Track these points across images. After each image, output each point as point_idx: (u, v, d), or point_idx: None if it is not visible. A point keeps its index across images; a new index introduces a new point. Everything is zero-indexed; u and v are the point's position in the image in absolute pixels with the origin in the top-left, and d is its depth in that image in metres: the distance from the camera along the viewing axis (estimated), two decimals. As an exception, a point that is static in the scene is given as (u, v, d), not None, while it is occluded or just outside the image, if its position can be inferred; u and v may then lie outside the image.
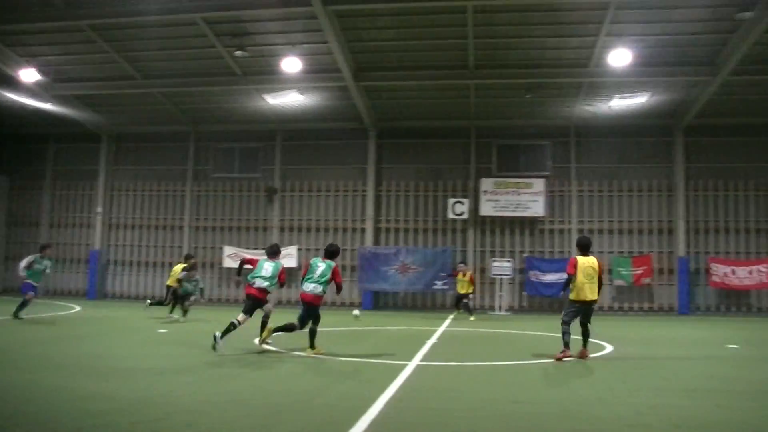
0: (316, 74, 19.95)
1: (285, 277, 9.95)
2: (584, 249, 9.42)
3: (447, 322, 17.10)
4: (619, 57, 18.26)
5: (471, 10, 16.75)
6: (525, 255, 22.85)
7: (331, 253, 9.59)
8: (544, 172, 23.33)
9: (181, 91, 22.11)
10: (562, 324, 9.34)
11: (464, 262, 21.01)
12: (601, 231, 22.89)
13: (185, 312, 15.17)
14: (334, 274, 9.28)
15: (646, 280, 22.23)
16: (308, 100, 21.79)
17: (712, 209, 22.67)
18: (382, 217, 23.89)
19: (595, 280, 9.18)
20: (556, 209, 23.16)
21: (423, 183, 23.71)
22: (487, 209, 22.82)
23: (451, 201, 22.96)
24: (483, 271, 22.78)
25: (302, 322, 9.20)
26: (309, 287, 9.11)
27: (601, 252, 22.41)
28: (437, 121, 23.48)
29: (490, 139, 23.58)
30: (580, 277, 9.11)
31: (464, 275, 19.10)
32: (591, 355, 9.52)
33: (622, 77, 19.40)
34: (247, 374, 7.66)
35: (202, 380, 7.13)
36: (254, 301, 9.56)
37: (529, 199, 22.70)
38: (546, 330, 15.00)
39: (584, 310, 9.31)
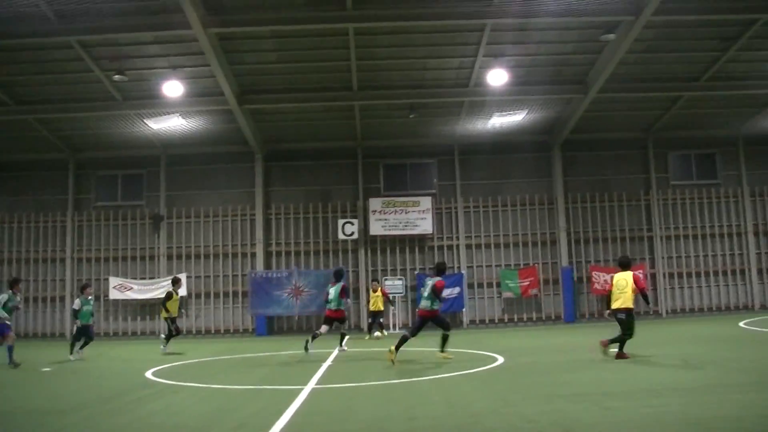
0: (199, 98, 22.95)
1: (345, 294, 16.41)
2: (624, 266, 12.95)
3: (343, 342, 19.54)
4: (497, 76, 22.96)
5: (352, 32, 19.53)
6: (416, 272, 28.49)
7: (439, 270, 14.14)
8: (431, 190, 28.89)
9: (57, 117, 24.74)
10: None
11: (377, 279, 24.76)
12: (488, 245, 28.70)
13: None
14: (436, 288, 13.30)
15: (533, 291, 28.51)
16: (192, 124, 25.90)
17: (590, 220, 28.80)
18: (273, 241, 28.68)
19: (627, 290, 12.46)
20: (443, 226, 28.71)
21: (312, 204, 28.61)
22: (376, 228, 28.04)
23: (341, 222, 28.01)
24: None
25: (414, 332, 13.54)
26: (424, 304, 13.64)
27: (489, 266, 28.69)
28: (324, 143, 28.49)
29: (377, 159, 28.96)
30: (613, 289, 12.63)
31: (376, 291, 22.60)
32: (484, 368, 11.90)
33: (500, 96, 24.49)
34: (138, 408, 8.61)
35: (92, 417, 8.02)
36: (330, 319, 16.01)
37: (417, 217, 28.46)
38: (439, 345, 17.57)
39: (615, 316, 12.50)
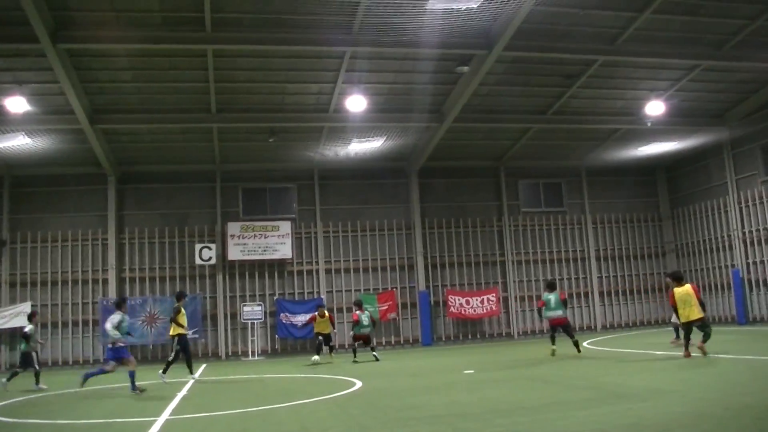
0: (48, 116, 22.57)
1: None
2: (678, 280, 14.69)
3: (199, 371, 19.30)
4: (356, 103, 23.10)
5: (211, 53, 19.16)
6: (275, 298, 28.28)
7: (551, 285, 17.73)
8: (291, 214, 28.89)
9: None
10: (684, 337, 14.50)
11: (322, 304, 24.53)
12: (347, 270, 28.95)
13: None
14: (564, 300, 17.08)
15: (392, 315, 28.92)
16: (39, 143, 24.46)
17: (446, 244, 29.78)
18: (126, 266, 27.65)
19: (692, 302, 14.20)
20: (303, 251, 28.79)
21: (168, 229, 27.87)
22: (235, 253, 27.76)
23: (198, 246, 27.54)
24: (234, 316, 27.80)
25: (553, 339, 17.64)
26: (554, 313, 17.31)
27: (348, 290, 29.01)
28: (181, 165, 27.92)
29: (236, 183, 28.67)
30: (679, 303, 14.32)
31: (323, 316, 21.50)
32: (341, 393, 12.05)
33: (359, 122, 24.85)
34: None
35: None
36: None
37: (276, 241, 28.41)
38: (299, 372, 18.16)
39: (689, 328, 14.25)
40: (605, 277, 31.26)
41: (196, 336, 26.52)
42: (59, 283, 27.37)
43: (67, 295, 27.22)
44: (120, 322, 14.85)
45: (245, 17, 18.83)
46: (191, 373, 16.82)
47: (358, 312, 21.64)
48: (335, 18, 18.79)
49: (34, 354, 17.47)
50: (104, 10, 17.90)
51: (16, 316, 25.92)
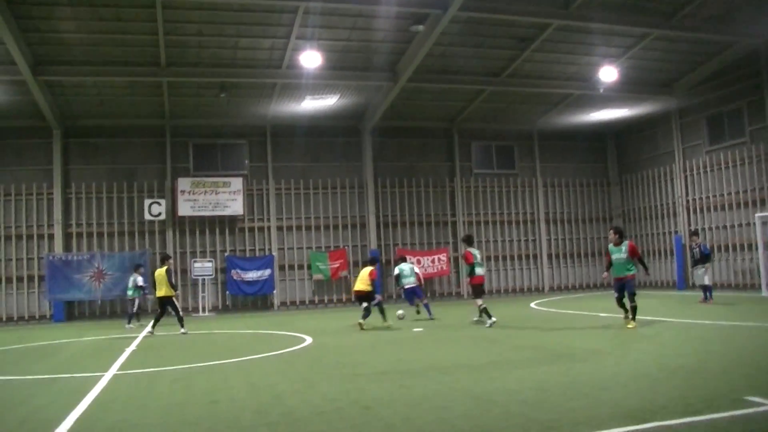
0: None
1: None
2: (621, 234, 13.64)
3: (147, 327, 18.43)
4: (310, 59, 22.52)
5: (160, 5, 19.44)
6: (226, 254, 27.99)
7: (619, 231, 14.14)
8: (242, 171, 28.54)
9: None
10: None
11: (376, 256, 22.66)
12: (299, 227, 28.72)
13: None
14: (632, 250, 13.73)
15: (343, 273, 28.96)
16: (-20, 94, 23.51)
17: (398, 204, 29.72)
18: (73, 221, 27.00)
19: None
20: (255, 208, 28.51)
21: (117, 184, 27.30)
22: (185, 209, 27.33)
23: (148, 202, 27.02)
24: (184, 272, 27.32)
25: (620, 298, 13.93)
26: (619, 270, 13.65)
27: (300, 248, 28.75)
28: (130, 120, 27.26)
29: (186, 138, 28.14)
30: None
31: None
32: (289, 349, 12.19)
33: (313, 79, 24.40)
34: None
35: None
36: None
37: (227, 198, 28.06)
38: (248, 328, 18.15)
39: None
40: (554, 239, 31.71)
41: (146, 292, 26.15)
42: (2, 238, 26.69)
43: (10, 250, 26.57)
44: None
45: (195, -33, 18.25)
46: (181, 328, 17.50)
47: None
48: (289, -29, 18.36)
49: (138, 300, 21.46)
50: (44, -46, 17.17)
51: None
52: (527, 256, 31.06)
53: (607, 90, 26.09)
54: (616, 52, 24.51)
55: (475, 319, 15.96)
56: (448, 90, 27.33)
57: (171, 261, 19.22)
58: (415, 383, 7.93)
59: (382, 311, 16.85)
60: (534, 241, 31.29)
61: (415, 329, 14.84)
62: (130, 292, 21.56)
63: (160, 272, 17.50)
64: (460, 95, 28.10)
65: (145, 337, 16.58)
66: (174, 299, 17.40)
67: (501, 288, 30.42)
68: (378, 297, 17.68)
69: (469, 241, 15.94)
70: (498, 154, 31.52)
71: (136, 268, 22.22)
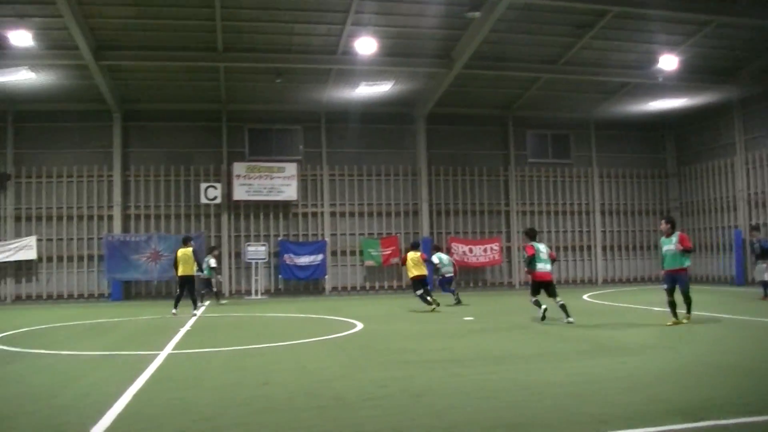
0: (51, 51, 22.47)
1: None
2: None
3: (202, 308, 19.70)
4: (365, 45, 22.73)
5: None
6: (279, 239, 28.30)
7: (670, 220, 13.18)
8: (297, 156, 28.71)
9: None
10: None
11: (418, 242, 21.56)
12: (352, 214, 28.86)
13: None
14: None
15: (394, 260, 29.06)
16: (43, 78, 24.29)
17: (451, 192, 29.58)
18: (131, 204, 27.62)
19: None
20: (308, 193, 28.68)
21: (174, 167, 27.77)
22: (240, 193, 27.62)
23: (204, 185, 27.38)
24: (238, 255, 27.84)
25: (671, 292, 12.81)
26: (671, 262, 12.72)
27: (352, 234, 28.91)
28: (187, 104, 27.64)
29: (242, 123, 28.41)
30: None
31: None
32: (341, 334, 12.25)
33: (367, 65, 24.44)
34: None
35: None
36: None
37: (282, 183, 28.25)
38: (299, 312, 18.34)
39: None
40: (609, 231, 31.21)
41: (200, 274, 26.59)
42: (64, 219, 27.42)
43: (71, 230, 27.30)
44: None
45: (253, -47, 18.41)
46: (197, 306, 18.40)
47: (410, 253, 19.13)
48: (346, -44, 18.39)
49: (213, 280, 22.64)
50: (108, -58, 17.54)
51: (21, 250, 26.15)
52: (581, 248, 30.66)
53: (667, 79, 25.48)
54: (676, 40, 23.91)
55: (569, 320, 13.57)
56: (503, 77, 27.01)
57: (216, 252, 22.95)
58: (464, 372, 7.89)
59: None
60: (588, 232, 30.85)
61: (465, 318, 14.78)
62: (205, 272, 22.01)
63: (186, 252, 18.07)
64: (516, 82, 27.77)
65: (170, 316, 17.18)
66: (193, 280, 18.02)
67: (553, 279, 29.92)
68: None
69: (531, 234, 14.73)
70: (553, 143, 31.12)
71: (210, 250, 23.60)
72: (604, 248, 30.81)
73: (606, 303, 20.08)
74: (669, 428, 5.43)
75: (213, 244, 26.74)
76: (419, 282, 17.95)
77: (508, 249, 29.58)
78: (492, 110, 29.91)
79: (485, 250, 28.93)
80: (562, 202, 30.69)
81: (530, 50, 24.95)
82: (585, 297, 22.62)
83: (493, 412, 6.11)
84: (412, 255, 18.50)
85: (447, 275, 19.95)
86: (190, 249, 18.19)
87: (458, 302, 19.27)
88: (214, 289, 22.76)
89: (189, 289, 17.76)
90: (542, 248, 14.01)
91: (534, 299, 14.01)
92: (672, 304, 12.90)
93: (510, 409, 6.22)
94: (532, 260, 13.81)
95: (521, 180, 30.33)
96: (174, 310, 17.66)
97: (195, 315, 17.23)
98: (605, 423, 5.60)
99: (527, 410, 6.15)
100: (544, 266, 13.90)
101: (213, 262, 22.78)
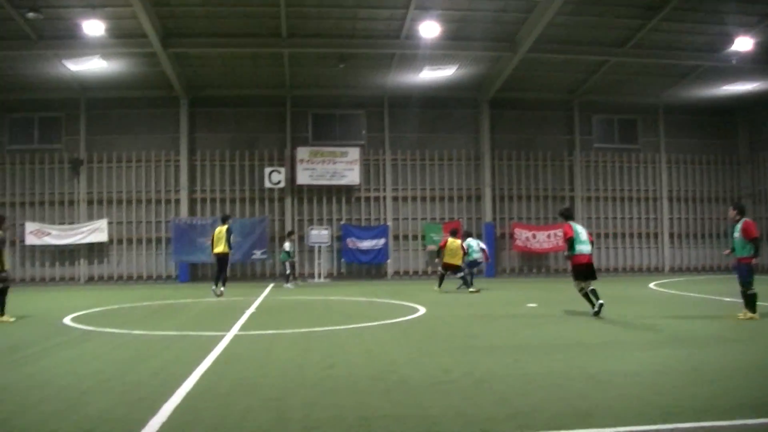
0: (121, 39, 22.80)
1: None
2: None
3: (266, 291, 20.05)
4: (429, 29, 22.75)
5: None
6: (342, 223, 28.50)
7: (740, 208, 12.22)
8: (359, 141, 28.87)
9: None
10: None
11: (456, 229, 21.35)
12: (414, 198, 28.90)
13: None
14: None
15: (436, 245, 28.90)
16: (114, 66, 25.03)
17: (515, 177, 29.33)
18: (197, 188, 28.23)
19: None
20: (371, 177, 28.82)
21: (239, 152, 28.26)
22: (303, 178, 27.95)
23: (268, 170, 27.86)
24: (301, 239, 28.06)
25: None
26: (587, 248, 12.41)
27: (415, 219, 28.97)
28: (252, 90, 27.97)
29: (306, 108, 28.66)
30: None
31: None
32: (404, 319, 12.19)
33: (431, 49, 24.38)
34: (50, 356, 8.34)
35: None
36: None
37: (344, 167, 28.46)
38: (362, 295, 18.46)
39: None
40: (677, 218, 30.49)
41: (264, 257, 27.10)
42: (133, 202, 28.23)
43: (140, 213, 28.07)
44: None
45: (317, -61, 18.50)
46: (222, 287, 18.47)
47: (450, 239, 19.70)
48: (409, -60, 18.31)
49: (290, 264, 23.86)
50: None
51: (93, 232, 27.00)
52: (647, 235, 30.06)
53: (741, 61, 24.63)
54: (751, 21, 23.02)
55: (595, 310, 12.50)
56: (569, 61, 26.56)
57: (293, 236, 24.24)
58: (529, 359, 7.81)
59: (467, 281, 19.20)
60: (655, 219, 30.22)
61: (529, 305, 14.64)
62: (282, 256, 23.82)
63: (221, 230, 18.45)
64: (582, 66, 27.28)
65: (216, 295, 17.84)
66: (227, 258, 18.47)
67: (619, 267, 29.63)
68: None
69: (567, 214, 13.36)
70: (620, 128, 30.51)
71: (288, 235, 25.05)
72: (671, 236, 30.13)
73: (673, 292, 19.63)
74: (740, 423, 5.27)
75: (282, 228, 27.47)
76: (453, 269, 19.41)
77: (573, 235, 29.05)
78: (557, 94, 29.45)
79: (549, 236, 28.63)
80: (629, 188, 30.09)
81: (598, 33, 24.43)
82: (651, 285, 22.19)
83: (558, 401, 6.04)
84: (451, 242, 19.41)
85: (479, 261, 21.01)
86: (225, 227, 18.52)
87: (463, 286, 19.67)
88: (288, 272, 23.68)
89: (221, 267, 18.33)
90: (580, 229, 12.82)
91: (582, 288, 12.72)
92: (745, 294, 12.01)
93: (576, 398, 6.13)
94: (572, 242, 12.51)
95: (586, 165, 29.87)
96: (214, 288, 18.25)
97: (218, 293, 17.91)
98: (673, 415, 5.48)
99: (593, 400, 6.05)
100: (584, 248, 12.59)
101: (288, 246, 23.90)
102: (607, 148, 30.10)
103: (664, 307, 15.02)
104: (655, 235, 30.07)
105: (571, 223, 12.84)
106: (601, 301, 12.27)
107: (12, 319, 12.32)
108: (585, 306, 13.56)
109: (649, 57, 25.67)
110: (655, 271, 29.59)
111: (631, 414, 5.57)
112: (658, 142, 30.44)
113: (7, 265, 12.92)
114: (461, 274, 19.16)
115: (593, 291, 12.51)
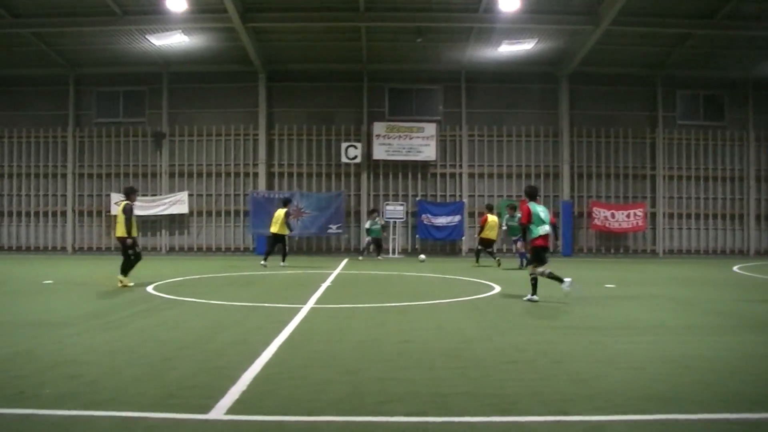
0: (202, 14, 23.46)
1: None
2: None
3: (342, 265, 20.29)
4: (508, 2, 22.59)
5: None
6: (417, 199, 28.49)
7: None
8: (436, 116, 28.70)
9: (55, 32, 24.49)
10: None
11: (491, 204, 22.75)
12: (491, 175, 28.63)
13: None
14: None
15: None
16: (195, 41, 25.60)
17: (594, 155, 28.70)
18: (275, 161, 28.70)
19: None
20: (447, 153, 28.69)
21: (316, 127, 28.52)
22: (379, 153, 28.08)
23: (344, 145, 28.02)
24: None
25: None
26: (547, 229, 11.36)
27: (491, 196, 28.62)
28: (329, 64, 28.19)
29: (382, 83, 28.70)
30: None
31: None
32: (479, 296, 12.13)
33: (510, 23, 24.18)
34: (134, 323, 8.69)
35: (87, 331, 7.99)
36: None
37: (421, 143, 28.43)
38: (437, 272, 18.51)
39: None
40: (764, 199, 29.26)
41: (340, 231, 27.39)
42: (213, 175, 28.89)
43: (220, 186, 28.71)
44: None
45: None
46: (282, 261, 20.28)
47: (488, 215, 20.85)
48: None
49: (373, 240, 25.28)
50: None
51: (174, 204, 27.80)
52: (732, 216, 29.03)
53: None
54: None
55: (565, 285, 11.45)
56: (652, 34, 25.67)
57: (375, 214, 25.03)
58: (605, 340, 7.72)
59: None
60: (741, 200, 29.12)
61: (607, 285, 14.40)
62: (374, 232, 25.46)
63: (280, 213, 19.71)
64: (666, 39, 26.39)
65: (281, 267, 19.08)
66: (284, 239, 19.86)
67: (701, 249, 28.76)
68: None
69: (531, 192, 12.07)
70: (705, 104, 29.41)
71: (370, 213, 26.12)
72: (758, 217, 28.99)
73: (759, 276, 18.91)
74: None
75: (358, 203, 28.19)
76: (487, 243, 20.73)
77: (653, 215, 28.49)
78: (639, 69, 28.55)
79: (628, 216, 28.00)
80: (713, 167, 29.07)
81: (684, 4, 23.59)
82: (735, 269, 21.46)
83: (637, 384, 5.95)
84: (491, 218, 20.63)
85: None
86: (283, 211, 19.71)
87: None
88: (369, 249, 25.33)
89: (281, 246, 19.96)
90: (541, 209, 11.55)
91: (542, 270, 11.52)
92: None
93: (655, 381, 6.03)
94: (528, 226, 11.42)
95: (669, 143, 28.96)
96: (283, 263, 19.92)
97: (283, 266, 19.45)
98: (757, 404, 5.32)
99: (671, 384, 5.93)
100: (545, 229, 11.43)
101: (369, 224, 25.35)
102: (691, 125, 29.11)
103: (748, 292, 14.54)
104: (741, 217, 29.01)
105: (532, 204, 11.55)
106: (567, 280, 11.35)
107: (131, 284, 13.49)
108: (665, 288, 13.24)
109: (739, 29, 24.60)
110: (740, 254, 28.58)
111: (712, 401, 5.44)
112: (747, 119, 29.20)
113: (134, 232, 14.27)
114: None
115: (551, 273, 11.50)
